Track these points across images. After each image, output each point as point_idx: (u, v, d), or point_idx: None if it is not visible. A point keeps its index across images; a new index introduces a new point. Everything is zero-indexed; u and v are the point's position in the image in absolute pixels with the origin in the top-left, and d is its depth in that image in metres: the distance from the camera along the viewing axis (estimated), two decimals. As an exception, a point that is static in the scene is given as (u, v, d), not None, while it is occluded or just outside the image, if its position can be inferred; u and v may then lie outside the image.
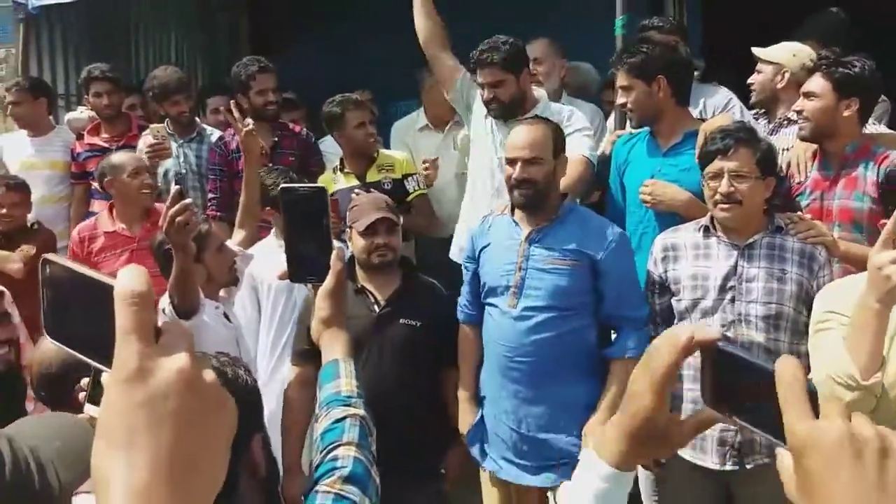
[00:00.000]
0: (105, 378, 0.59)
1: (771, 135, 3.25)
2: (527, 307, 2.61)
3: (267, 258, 3.26)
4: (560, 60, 3.81)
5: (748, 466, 2.47)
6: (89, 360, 0.64)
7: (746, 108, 3.47)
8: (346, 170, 3.75)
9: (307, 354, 2.79)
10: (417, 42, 3.43)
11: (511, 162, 2.65)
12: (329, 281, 1.32)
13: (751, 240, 2.50)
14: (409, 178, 3.75)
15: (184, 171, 4.16)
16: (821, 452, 0.63)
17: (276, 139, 4.03)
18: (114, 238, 3.49)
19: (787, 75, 3.27)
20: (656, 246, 2.67)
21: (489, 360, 2.74)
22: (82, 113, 4.59)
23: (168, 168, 4.07)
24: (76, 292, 0.64)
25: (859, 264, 2.23)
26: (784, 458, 0.67)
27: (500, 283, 2.68)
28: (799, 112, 2.81)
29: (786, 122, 3.23)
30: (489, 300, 2.74)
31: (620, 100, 3.01)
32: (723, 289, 2.49)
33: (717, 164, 2.48)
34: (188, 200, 2.27)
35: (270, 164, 3.77)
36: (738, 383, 0.72)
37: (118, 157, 3.52)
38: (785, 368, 0.67)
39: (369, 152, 3.73)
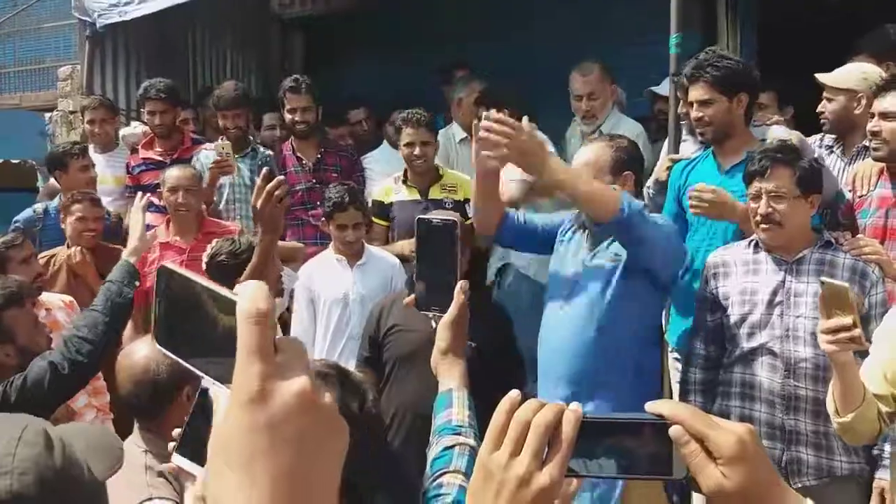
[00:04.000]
0: (223, 395, 0.60)
1: (850, 165, 3.14)
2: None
3: (324, 272, 3.41)
4: (611, 87, 3.83)
5: (794, 487, 2.40)
6: (198, 371, 0.65)
7: (822, 135, 3.35)
8: (408, 182, 3.81)
9: (370, 361, 2.97)
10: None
11: None
12: (451, 312, 1.36)
13: (799, 255, 2.47)
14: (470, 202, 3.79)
15: (238, 182, 4.25)
16: None
17: (320, 155, 4.14)
18: (167, 249, 3.61)
19: (863, 101, 3.06)
20: (707, 264, 2.65)
21: None
22: (136, 128, 4.75)
23: (222, 182, 4.17)
24: (193, 303, 0.64)
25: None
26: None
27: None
28: (875, 133, 2.73)
29: (864, 150, 3.08)
30: None
31: (696, 114, 2.91)
32: (770, 304, 2.46)
33: (755, 186, 2.47)
34: (281, 178, 2.31)
35: (314, 180, 3.92)
36: (600, 443, 0.76)
37: (173, 172, 3.64)
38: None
39: (414, 170, 3.77)
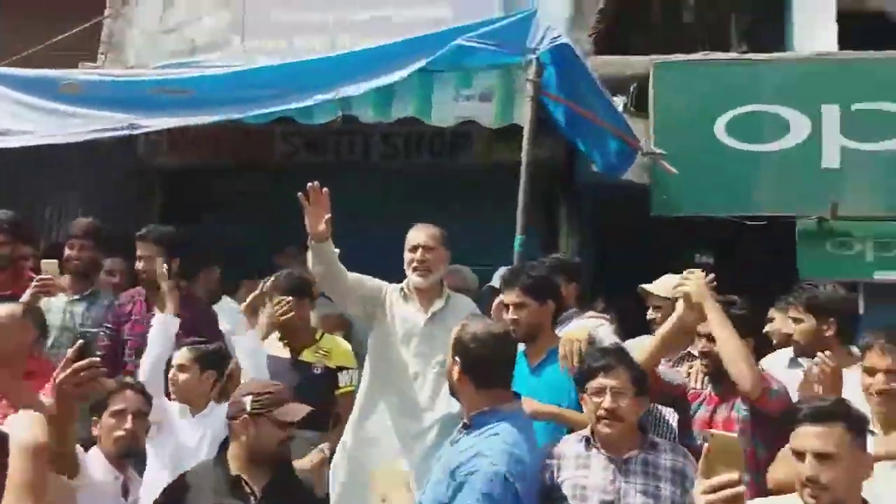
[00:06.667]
0: None
1: (674, 367, 3.47)
2: None
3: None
4: (446, 252, 3.72)
5: None
6: None
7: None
8: (285, 339, 3.82)
9: None
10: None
11: None
12: None
13: (627, 455, 2.62)
14: (344, 371, 3.81)
15: (69, 325, 4.06)
16: None
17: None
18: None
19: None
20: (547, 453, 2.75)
21: None
22: None
23: (50, 323, 3.91)
24: None
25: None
26: None
27: None
28: (704, 353, 3.06)
29: (687, 356, 3.47)
30: None
31: (512, 315, 3.23)
32: (602, 502, 2.57)
33: (600, 381, 2.64)
34: (96, 359, 2.21)
35: None
36: None
37: None
38: None
39: (288, 330, 3.80)
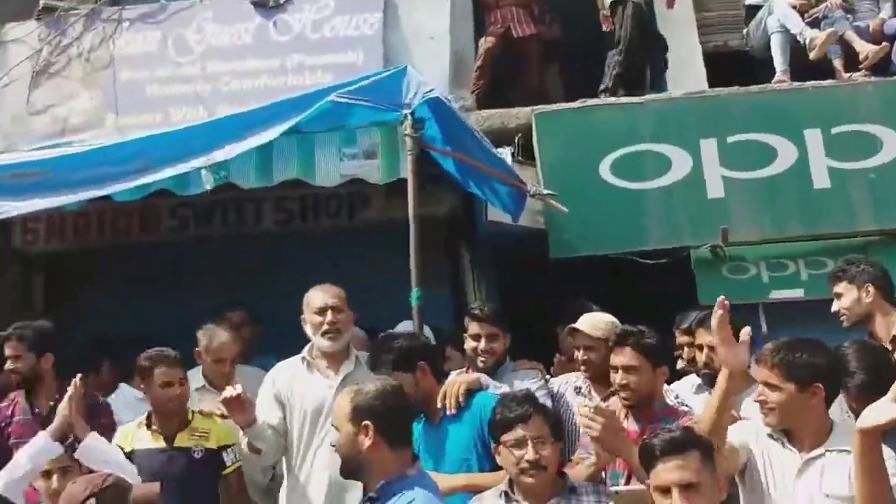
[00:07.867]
0: None
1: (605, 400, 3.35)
2: None
3: None
4: (350, 312, 3.60)
5: None
6: None
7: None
8: (154, 427, 3.52)
9: None
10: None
11: None
12: None
13: (548, 502, 2.56)
14: (228, 450, 3.54)
15: None
16: None
17: (53, 403, 3.71)
18: None
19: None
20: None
21: None
22: None
23: None
24: None
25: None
26: None
27: None
28: (624, 385, 2.99)
29: (611, 394, 3.34)
30: None
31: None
32: None
33: (518, 432, 2.59)
34: None
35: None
36: None
37: None
38: None
39: (171, 412, 3.52)
